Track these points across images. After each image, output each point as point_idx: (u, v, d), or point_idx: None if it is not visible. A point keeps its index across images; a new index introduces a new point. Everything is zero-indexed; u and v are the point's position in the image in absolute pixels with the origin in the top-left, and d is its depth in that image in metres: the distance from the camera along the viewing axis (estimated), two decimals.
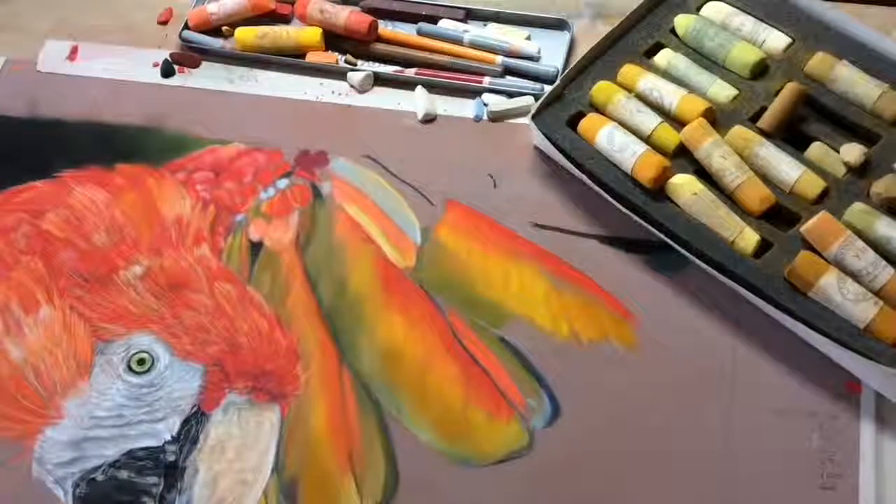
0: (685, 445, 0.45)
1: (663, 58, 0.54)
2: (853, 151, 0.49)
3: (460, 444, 0.46)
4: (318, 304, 0.51)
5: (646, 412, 0.46)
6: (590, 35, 0.58)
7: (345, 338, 0.50)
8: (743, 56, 0.53)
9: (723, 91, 0.53)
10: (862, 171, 0.49)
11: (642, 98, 0.53)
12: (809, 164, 0.50)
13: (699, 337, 0.48)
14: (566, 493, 0.45)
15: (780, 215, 0.49)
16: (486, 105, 0.57)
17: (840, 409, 0.46)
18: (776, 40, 0.54)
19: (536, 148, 0.55)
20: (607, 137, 0.51)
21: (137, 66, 0.62)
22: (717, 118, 0.52)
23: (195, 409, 0.47)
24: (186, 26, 0.62)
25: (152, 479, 0.45)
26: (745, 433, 0.45)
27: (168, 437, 0.46)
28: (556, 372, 0.48)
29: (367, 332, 0.50)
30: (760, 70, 0.54)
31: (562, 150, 0.52)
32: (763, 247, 0.48)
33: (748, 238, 0.48)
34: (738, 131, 0.51)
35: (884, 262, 0.46)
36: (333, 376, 0.48)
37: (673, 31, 0.56)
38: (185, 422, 0.47)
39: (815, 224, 0.47)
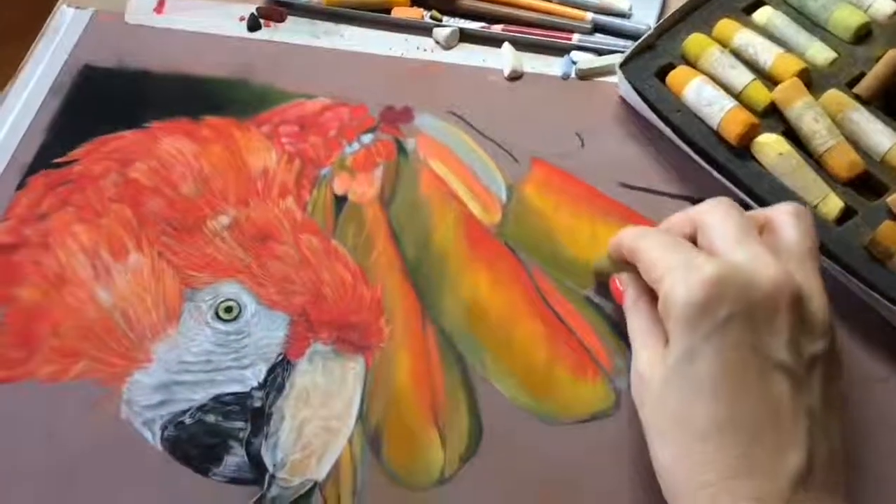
0: None
1: (763, 15, 0.53)
2: None
3: (545, 400, 0.46)
4: (402, 258, 0.51)
5: None
6: None
7: (429, 292, 0.50)
8: (846, 19, 0.52)
9: (822, 53, 0.51)
10: None
11: (737, 54, 0.52)
12: None
13: None
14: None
15: (868, 184, 0.48)
16: (574, 63, 0.56)
17: None
18: (883, 5, 0.52)
19: (624, 102, 0.54)
20: (696, 91, 0.50)
21: (223, 19, 0.62)
22: (813, 80, 0.51)
23: (281, 357, 0.48)
24: None
25: (239, 424, 0.46)
26: None
27: (255, 384, 0.47)
28: None
29: (450, 287, 0.50)
30: (863, 34, 0.52)
31: (647, 101, 0.51)
32: (846, 214, 0.47)
33: (832, 204, 0.47)
34: (833, 95, 0.50)
35: None
36: (417, 330, 0.48)
37: None
38: (272, 369, 0.47)
39: None
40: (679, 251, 0.38)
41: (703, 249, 0.39)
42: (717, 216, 0.39)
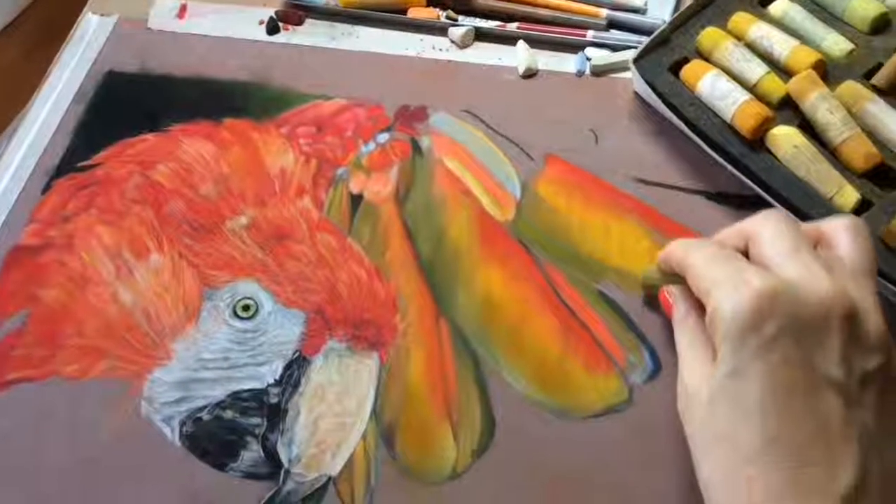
0: None
1: (779, 7, 0.53)
2: None
3: (558, 395, 0.46)
4: (417, 256, 0.51)
5: None
6: None
7: (442, 289, 0.50)
8: (863, 9, 0.51)
9: (838, 45, 0.51)
10: None
11: (752, 47, 0.51)
12: None
13: None
14: (665, 448, 0.44)
15: (885, 175, 0.47)
16: (588, 59, 0.56)
17: None
18: None
19: (638, 98, 0.54)
20: (710, 84, 0.50)
21: (243, 23, 0.63)
22: (830, 72, 0.50)
23: (297, 354, 0.48)
24: None
25: (256, 420, 0.47)
26: None
27: (271, 381, 0.48)
28: (657, 327, 0.47)
29: (464, 283, 0.50)
30: (881, 25, 0.51)
31: (661, 96, 0.51)
32: (863, 206, 0.47)
33: (848, 196, 0.46)
34: (850, 86, 0.49)
35: None
36: (431, 326, 0.49)
37: None
38: (288, 366, 0.48)
39: None
40: (728, 264, 0.37)
41: (755, 263, 0.37)
42: (769, 229, 0.38)
